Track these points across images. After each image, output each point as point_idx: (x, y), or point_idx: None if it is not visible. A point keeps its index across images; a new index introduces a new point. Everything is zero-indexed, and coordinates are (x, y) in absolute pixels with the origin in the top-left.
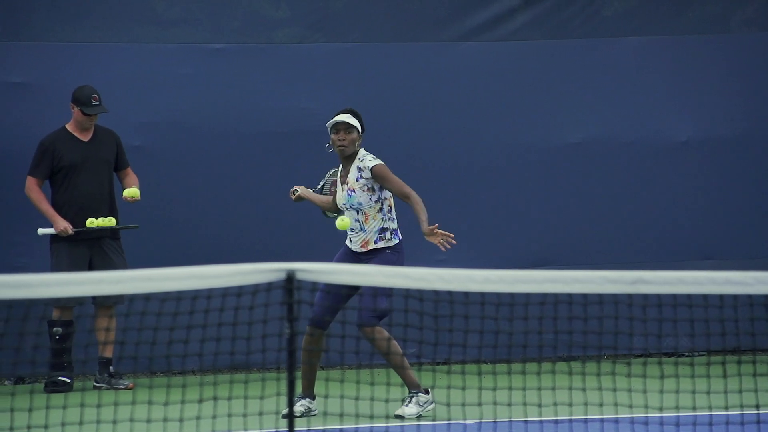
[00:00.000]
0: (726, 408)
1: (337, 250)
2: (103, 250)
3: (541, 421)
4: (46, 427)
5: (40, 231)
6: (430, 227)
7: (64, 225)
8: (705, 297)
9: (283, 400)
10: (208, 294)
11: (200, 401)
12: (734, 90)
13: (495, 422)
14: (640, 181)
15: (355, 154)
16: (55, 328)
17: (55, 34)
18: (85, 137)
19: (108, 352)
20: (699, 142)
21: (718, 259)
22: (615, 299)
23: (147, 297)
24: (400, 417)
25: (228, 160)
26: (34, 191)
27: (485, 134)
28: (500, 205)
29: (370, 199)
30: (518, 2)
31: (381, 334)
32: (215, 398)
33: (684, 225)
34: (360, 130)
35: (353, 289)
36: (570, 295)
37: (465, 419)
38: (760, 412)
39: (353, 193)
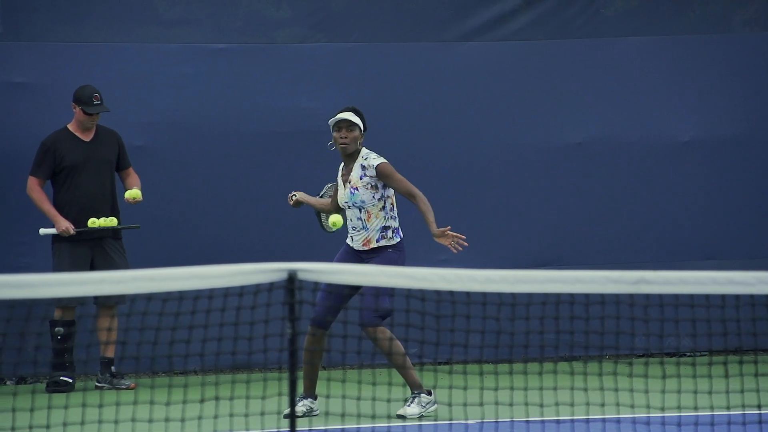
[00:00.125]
0: (728, 408)
1: (338, 250)
2: (104, 250)
3: (542, 422)
4: (47, 427)
5: (42, 231)
6: (442, 229)
7: (65, 225)
8: (707, 297)
9: (285, 400)
10: (210, 294)
11: (202, 401)
12: (736, 90)
13: (497, 422)
14: (641, 181)
15: (358, 152)
16: (56, 328)
17: (56, 34)
18: (87, 137)
19: (110, 352)
20: (701, 142)
21: (720, 259)
22: (617, 299)
23: (149, 297)
24: (402, 417)
25: (229, 160)
26: (36, 191)
27: (487, 134)
28: (502, 205)
29: (373, 197)
30: (520, 2)
31: (384, 334)
32: (217, 398)
33: (686, 225)
34: (362, 128)
35: (354, 289)
36: (572, 295)
37: (467, 419)
38: (762, 412)
39: (356, 191)
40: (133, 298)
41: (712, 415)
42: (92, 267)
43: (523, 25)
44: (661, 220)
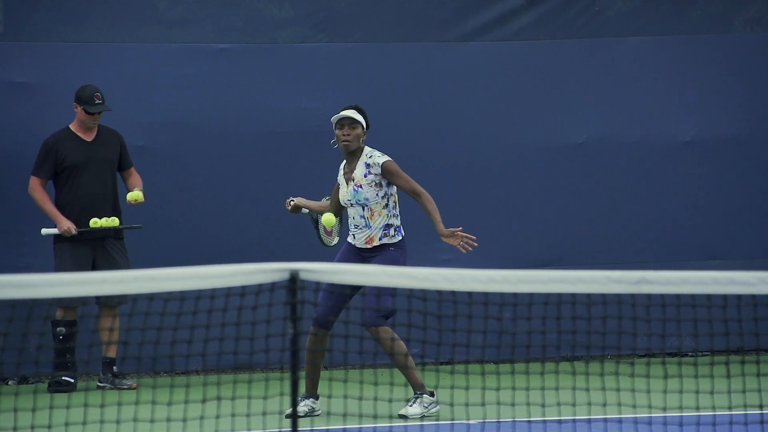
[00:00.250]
0: (729, 408)
1: (339, 249)
2: (106, 250)
3: (544, 422)
4: (49, 427)
5: (44, 231)
6: (452, 229)
7: (67, 225)
8: (708, 297)
9: (287, 400)
10: (212, 294)
11: (204, 401)
12: (737, 90)
13: (498, 422)
14: (643, 181)
15: (360, 150)
16: (58, 328)
17: (57, 34)
18: (89, 137)
19: (111, 352)
20: (702, 142)
21: (722, 259)
22: (618, 299)
23: (150, 297)
24: (404, 417)
25: (230, 160)
26: (38, 191)
27: (488, 134)
28: (503, 205)
29: (377, 194)
30: (521, 2)
31: (388, 334)
32: (219, 398)
33: (687, 225)
34: (365, 126)
35: (355, 289)
36: (574, 295)
37: (468, 419)
38: (764, 412)
39: (360, 189)
40: (135, 298)
41: (714, 415)
42: (94, 267)
43: (524, 25)
44: (662, 220)
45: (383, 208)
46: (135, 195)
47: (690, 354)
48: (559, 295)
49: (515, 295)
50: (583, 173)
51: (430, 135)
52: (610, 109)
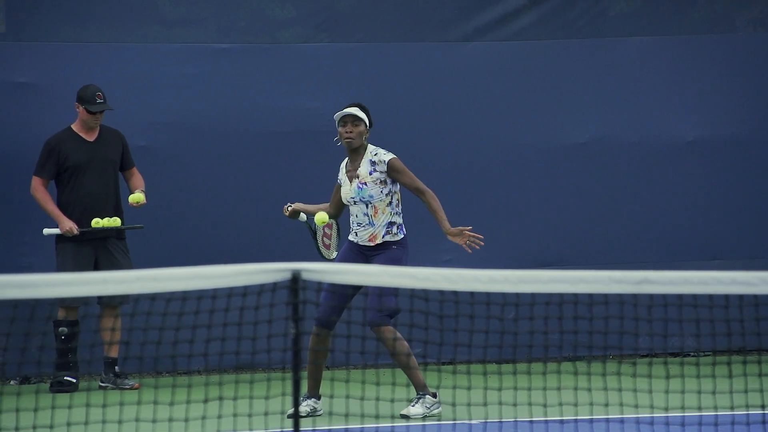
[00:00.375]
0: (731, 408)
1: (341, 248)
2: (108, 250)
3: (546, 422)
4: (51, 427)
5: (46, 231)
6: (459, 228)
7: (69, 225)
8: (710, 297)
9: (289, 400)
10: (214, 294)
11: (205, 401)
12: (739, 90)
13: (500, 422)
14: (645, 181)
15: (363, 148)
16: (60, 328)
17: (59, 34)
18: (91, 137)
19: (113, 352)
20: (704, 142)
21: (724, 260)
22: (620, 299)
23: (152, 297)
24: (406, 417)
25: (232, 160)
26: (40, 191)
27: (490, 134)
28: (506, 205)
29: (381, 192)
30: (523, 2)
31: (393, 334)
32: (220, 398)
33: (689, 225)
34: (367, 123)
35: (357, 288)
36: (575, 295)
37: (470, 419)
38: (766, 412)
39: (365, 186)
40: (137, 298)
41: (716, 415)
42: (96, 267)
43: (525, 25)
44: (664, 220)
45: (387, 205)
46: (136, 197)
47: (692, 354)
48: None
49: (517, 295)
50: (585, 173)
51: (431, 135)
52: (612, 109)
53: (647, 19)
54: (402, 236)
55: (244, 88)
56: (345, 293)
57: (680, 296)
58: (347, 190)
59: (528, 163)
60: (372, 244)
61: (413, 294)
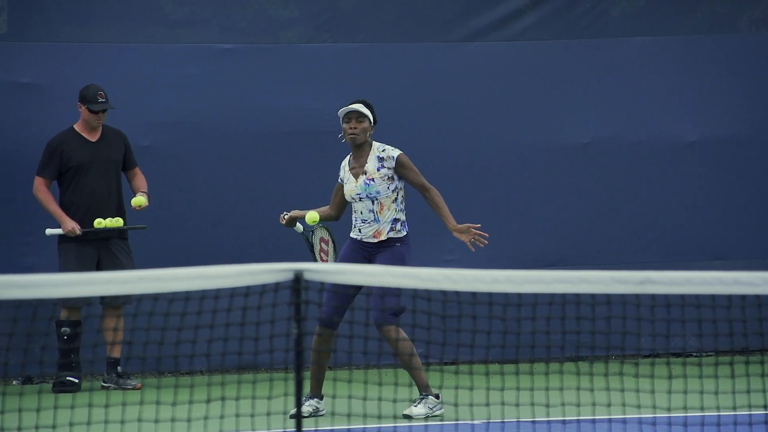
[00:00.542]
0: (734, 408)
1: (342, 246)
2: (110, 250)
3: (549, 422)
4: (54, 427)
5: (48, 231)
6: (467, 225)
7: (71, 225)
8: (713, 297)
9: (291, 400)
10: (216, 294)
11: (208, 401)
12: (742, 90)
13: (503, 422)
14: (648, 181)
15: (368, 145)
16: (63, 329)
17: (61, 34)
18: (93, 137)
19: (116, 353)
20: (707, 142)
21: (726, 260)
22: (623, 299)
23: (155, 297)
24: (408, 417)
25: (235, 161)
26: (42, 191)
27: (492, 135)
28: (508, 205)
29: (388, 188)
30: (526, 2)
31: (399, 333)
32: (223, 398)
33: (692, 225)
34: (371, 120)
35: (359, 288)
36: (578, 296)
37: (473, 419)
38: None
39: (372, 182)
40: (140, 299)
41: (719, 415)
42: (98, 267)
43: (528, 25)
44: (666, 220)
45: (392, 202)
46: (138, 200)
47: (694, 354)
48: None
49: (519, 295)
50: (588, 173)
51: (432, 135)
52: (614, 109)
53: (649, 19)
54: (405, 233)
55: (247, 88)
56: (347, 293)
57: (683, 296)
58: (352, 187)
59: (530, 163)
60: (376, 240)
61: (416, 294)
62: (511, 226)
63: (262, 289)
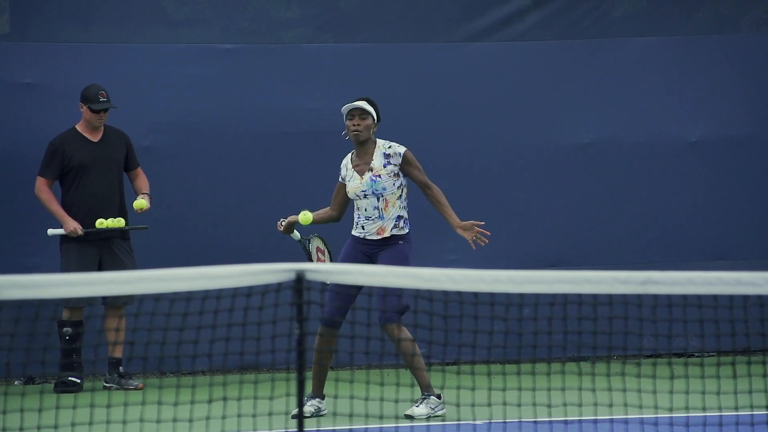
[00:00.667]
0: (736, 409)
1: (344, 245)
2: (112, 250)
3: (550, 422)
4: (55, 427)
5: (50, 231)
6: (471, 222)
7: (73, 225)
8: (715, 297)
9: (293, 400)
10: (218, 294)
11: (210, 402)
12: (744, 90)
13: (504, 423)
14: (650, 182)
15: (373, 142)
16: (65, 329)
17: (63, 34)
18: (95, 137)
19: (118, 353)
20: (709, 143)
21: (728, 260)
22: (625, 299)
23: (157, 297)
24: (410, 417)
25: (237, 161)
26: (44, 192)
27: (495, 135)
28: (510, 205)
29: (394, 184)
30: (528, 3)
31: (404, 333)
32: (225, 399)
33: (694, 225)
34: (375, 117)
35: (360, 288)
36: (580, 296)
37: (474, 420)
38: None
39: (379, 179)
40: (141, 299)
41: (721, 415)
42: (100, 267)
43: (530, 25)
44: (668, 220)
45: (397, 199)
46: (139, 204)
47: (696, 354)
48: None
49: (521, 295)
50: (589, 173)
51: (434, 136)
52: (616, 109)
53: (651, 19)
54: (407, 230)
55: (248, 88)
56: (349, 293)
57: (684, 297)
58: (357, 184)
59: (531, 163)
60: (379, 237)
61: (418, 294)
62: (513, 227)
63: (264, 290)
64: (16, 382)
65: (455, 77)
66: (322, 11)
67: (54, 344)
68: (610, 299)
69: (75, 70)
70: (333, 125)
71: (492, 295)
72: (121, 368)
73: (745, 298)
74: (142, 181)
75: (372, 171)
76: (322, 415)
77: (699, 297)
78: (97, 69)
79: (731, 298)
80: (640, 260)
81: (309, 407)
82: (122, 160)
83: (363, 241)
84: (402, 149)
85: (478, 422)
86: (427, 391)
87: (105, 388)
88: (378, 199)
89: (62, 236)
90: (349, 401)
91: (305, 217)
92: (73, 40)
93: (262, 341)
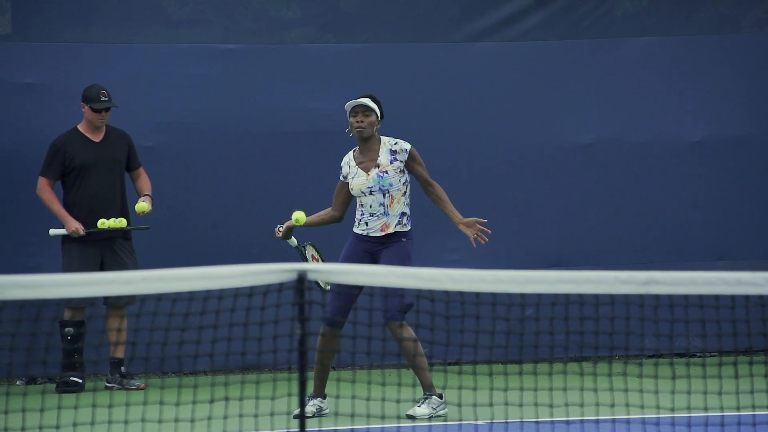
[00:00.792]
0: (738, 409)
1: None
2: (114, 250)
3: (552, 422)
4: (57, 427)
5: (52, 231)
6: (474, 218)
7: (75, 225)
8: (716, 297)
9: (295, 400)
10: (220, 294)
11: (211, 402)
12: (746, 90)
13: (506, 423)
14: (652, 182)
15: (376, 139)
16: (66, 329)
17: (65, 34)
18: (97, 137)
19: (119, 353)
20: (711, 143)
21: (730, 260)
22: (626, 300)
23: (158, 297)
24: (412, 417)
25: (238, 161)
26: (46, 192)
27: (496, 135)
28: (512, 205)
29: (400, 181)
30: (530, 3)
31: (408, 331)
32: (226, 399)
33: (695, 225)
34: (378, 115)
35: (361, 288)
36: (581, 296)
37: (476, 420)
38: None
39: (386, 175)
40: (143, 299)
41: (722, 416)
42: (102, 267)
43: (532, 25)
44: (670, 220)
45: (402, 195)
46: (141, 207)
47: (698, 354)
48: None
49: (523, 295)
50: (591, 174)
51: (436, 136)
52: (618, 109)
53: (652, 19)
54: (410, 227)
55: (249, 88)
56: (351, 293)
57: (686, 297)
58: (363, 180)
59: (533, 164)
60: (383, 233)
61: (419, 294)
62: (514, 227)
63: (266, 290)
64: (18, 382)
65: (456, 77)
66: (324, 11)
67: (56, 344)
68: (612, 299)
69: (76, 70)
70: (334, 125)
71: (494, 295)
72: (122, 368)
73: (747, 298)
74: (144, 181)
75: (379, 167)
76: (323, 415)
77: (701, 297)
78: (98, 69)
79: (733, 298)
80: (641, 260)
81: (311, 407)
82: (124, 160)
83: (365, 239)
84: (408, 145)
85: (479, 422)
86: (429, 390)
87: (107, 388)
88: (384, 196)
89: (64, 236)
90: (350, 401)
91: (298, 216)
92: (74, 40)
93: (264, 341)
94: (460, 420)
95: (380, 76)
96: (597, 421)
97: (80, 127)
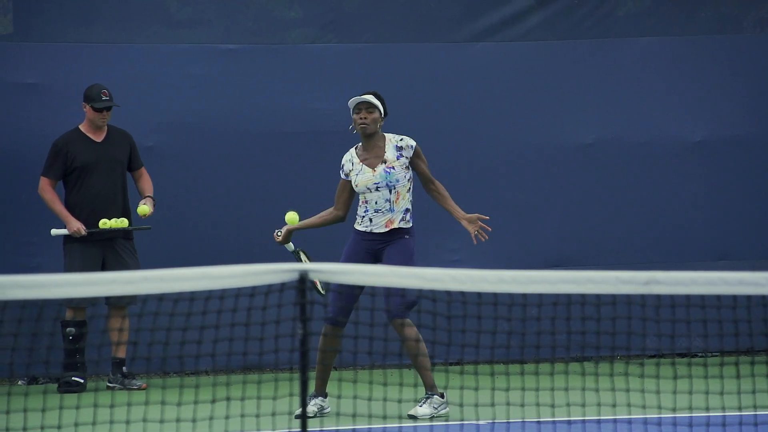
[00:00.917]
0: (739, 409)
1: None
2: (116, 250)
3: (554, 422)
4: (59, 427)
5: (53, 231)
6: (477, 214)
7: (77, 226)
8: (718, 297)
9: (296, 400)
10: (221, 294)
11: (213, 401)
12: (747, 90)
13: (508, 423)
14: (653, 182)
15: (380, 136)
16: (68, 329)
17: (66, 34)
18: (98, 137)
19: (121, 353)
20: (712, 143)
21: (731, 260)
22: (628, 300)
23: (160, 297)
24: (413, 417)
25: (240, 161)
26: (48, 192)
27: (497, 135)
28: (514, 205)
29: (405, 177)
30: (531, 3)
31: (411, 329)
32: (228, 399)
33: (697, 225)
34: (382, 111)
35: (362, 287)
36: (583, 296)
37: (478, 420)
38: None
39: (393, 170)
40: (144, 299)
41: (724, 416)
42: (103, 267)
43: (533, 25)
44: (671, 220)
45: (407, 191)
46: (143, 210)
47: (700, 355)
48: (569, 296)
49: (524, 295)
50: (592, 174)
51: (437, 136)
52: (619, 109)
53: (654, 19)
54: (412, 224)
55: (251, 88)
56: (352, 293)
57: (688, 297)
58: (369, 177)
59: (534, 164)
60: (386, 230)
61: (421, 294)
62: (515, 227)
63: (268, 290)
64: (19, 382)
65: (458, 77)
66: (325, 11)
67: (57, 344)
68: (613, 299)
69: (77, 70)
70: (335, 125)
71: (495, 295)
72: (124, 368)
73: (748, 298)
74: (146, 181)
75: (386, 163)
76: (325, 415)
77: (702, 297)
78: (100, 69)
79: (734, 298)
80: (641, 260)
81: (312, 407)
82: (125, 160)
83: (368, 236)
84: (413, 142)
85: (481, 422)
86: (430, 390)
87: (108, 388)
88: (390, 191)
89: (65, 236)
90: (352, 401)
91: (290, 217)
92: (76, 40)
93: (266, 341)
94: (462, 420)
95: (381, 76)
96: (599, 421)
97: (82, 127)
